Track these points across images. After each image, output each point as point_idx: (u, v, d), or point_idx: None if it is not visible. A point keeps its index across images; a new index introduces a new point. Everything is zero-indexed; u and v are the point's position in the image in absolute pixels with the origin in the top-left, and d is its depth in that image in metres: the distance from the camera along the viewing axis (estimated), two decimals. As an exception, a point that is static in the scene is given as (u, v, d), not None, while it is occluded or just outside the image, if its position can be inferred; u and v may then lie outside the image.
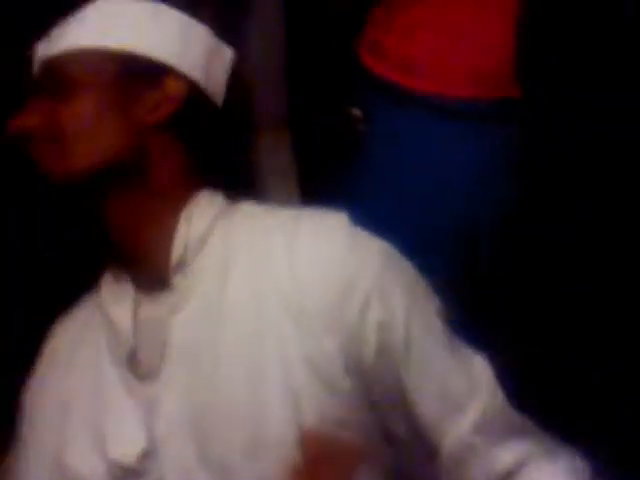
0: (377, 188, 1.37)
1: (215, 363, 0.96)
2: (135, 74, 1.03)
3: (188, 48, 1.06)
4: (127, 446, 0.98)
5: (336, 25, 1.47)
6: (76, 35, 1.03)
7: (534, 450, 0.98)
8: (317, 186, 1.44)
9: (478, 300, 1.29)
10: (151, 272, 1.01)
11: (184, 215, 1.00)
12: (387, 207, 1.29)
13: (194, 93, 1.04)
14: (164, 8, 1.07)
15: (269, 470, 0.93)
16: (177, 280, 0.99)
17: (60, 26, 1.04)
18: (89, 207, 1.01)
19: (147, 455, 0.97)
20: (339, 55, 1.46)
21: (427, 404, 0.96)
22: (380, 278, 0.96)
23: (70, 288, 1.12)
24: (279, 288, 0.96)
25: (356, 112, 1.41)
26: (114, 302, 1.02)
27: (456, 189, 1.33)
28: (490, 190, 1.32)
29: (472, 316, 1.17)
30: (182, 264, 0.99)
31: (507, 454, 0.97)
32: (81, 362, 1.05)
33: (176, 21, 1.07)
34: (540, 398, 1.09)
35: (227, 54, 1.11)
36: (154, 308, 1.01)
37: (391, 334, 0.94)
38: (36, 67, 1.05)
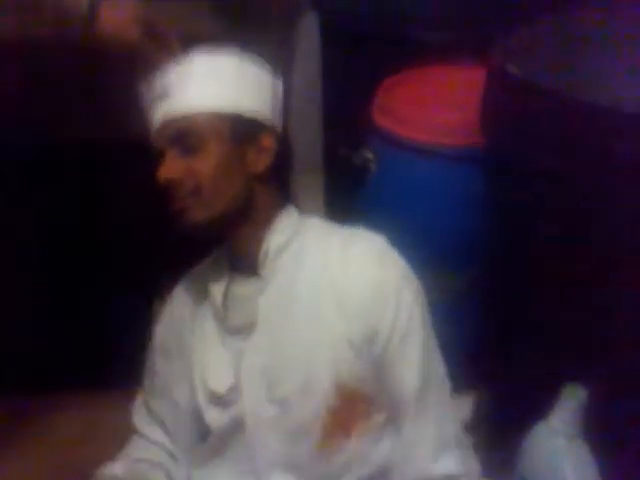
0: (383, 209, 1.61)
1: (286, 333, 1.11)
2: (240, 132, 1.10)
3: (275, 106, 1.13)
4: (220, 381, 1.13)
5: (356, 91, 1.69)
6: (197, 98, 1.06)
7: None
8: (340, 208, 1.63)
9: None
10: (246, 263, 1.14)
11: (269, 230, 1.14)
12: (390, 222, 1.35)
13: (278, 142, 1.14)
14: (263, 71, 1.11)
15: (315, 405, 1.10)
16: (264, 271, 1.13)
17: (170, 81, 1.06)
18: (213, 233, 1.14)
19: (233, 389, 1.12)
20: (359, 113, 1.67)
21: (400, 381, 1.12)
22: (398, 288, 1.11)
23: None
24: (333, 286, 1.10)
25: (368, 154, 1.63)
26: (214, 281, 1.17)
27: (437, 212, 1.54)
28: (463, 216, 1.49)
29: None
30: (266, 262, 1.13)
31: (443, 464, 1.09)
32: (198, 315, 1.20)
33: (269, 81, 1.11)
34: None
35: (280, 87, 1.15)
36: (245, 287, 1.15)
37: (395, 328, 1.10)
38: (157, 120, 1.09)
